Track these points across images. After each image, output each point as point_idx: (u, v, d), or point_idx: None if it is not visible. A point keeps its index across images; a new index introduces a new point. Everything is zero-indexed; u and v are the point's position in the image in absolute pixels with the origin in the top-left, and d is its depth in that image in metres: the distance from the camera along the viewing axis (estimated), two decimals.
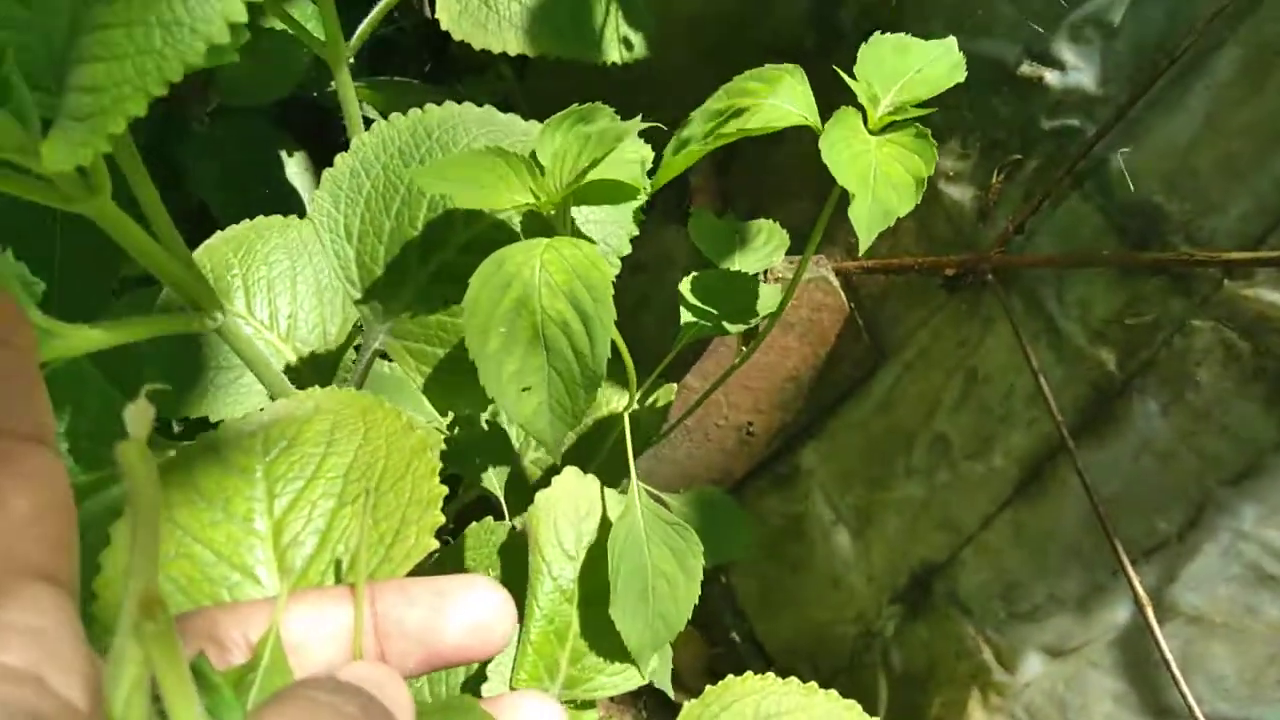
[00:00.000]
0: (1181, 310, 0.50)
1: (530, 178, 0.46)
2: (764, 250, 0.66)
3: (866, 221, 0.42)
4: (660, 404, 0.73)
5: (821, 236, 0.72)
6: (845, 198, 0.44)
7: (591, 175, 0.44)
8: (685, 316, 0.59)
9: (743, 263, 0.65)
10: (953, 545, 0.60)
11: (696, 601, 0.55)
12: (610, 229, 0.53)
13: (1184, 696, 0.48)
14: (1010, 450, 0.57)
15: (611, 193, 0.47)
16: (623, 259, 0.50)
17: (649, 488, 0.72)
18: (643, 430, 0.73)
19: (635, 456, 0.69)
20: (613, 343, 0.44)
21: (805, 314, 0.67)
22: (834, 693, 0.46)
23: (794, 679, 0.46)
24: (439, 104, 0.52)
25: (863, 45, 0.48)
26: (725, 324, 0.59)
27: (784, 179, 0.74)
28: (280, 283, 0.56)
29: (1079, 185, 0.56)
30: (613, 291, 0.44)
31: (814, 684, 0.45)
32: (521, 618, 0.52)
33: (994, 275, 0.58)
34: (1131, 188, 0.53)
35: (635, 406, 0.67)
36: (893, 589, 0.64)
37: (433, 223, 0.51)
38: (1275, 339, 0.47)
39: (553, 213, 0.47)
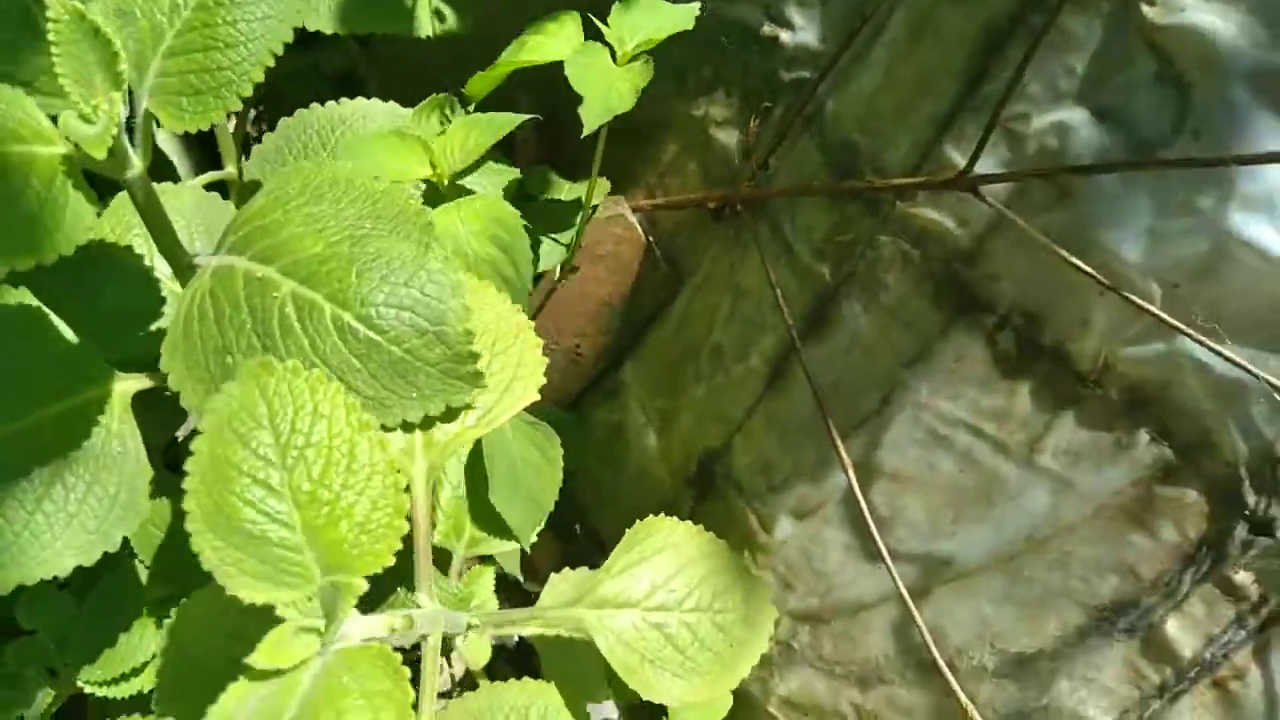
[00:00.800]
0: (871, 228, 0.61)
1: (427, 154, 0.59)
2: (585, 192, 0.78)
3: (594, 114, 0.57)
4: None
5: (625, 181, 0.83)
6: (619, 142, 0.59)
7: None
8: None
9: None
10: (726, 435, 0.72)
11: (560, 484, 0.67)
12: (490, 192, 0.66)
13: (875, 541, 0.61)
14: (763, 352, 0.69)
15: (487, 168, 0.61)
16: None
17: None
18: None
19: None
20: None
21: (610, 247, 0.78)
22: (712, 534, 0.59)
23: (689, 523, 0.58)
24: (293, 74, 0.64)
25: (616, 4, 0.61)
26: (551, 236, 0.71)
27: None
28: None
29: (808, 127, 0.67)
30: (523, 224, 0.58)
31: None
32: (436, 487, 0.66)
33: (744, 206, 0.69)
34: (838, 129, 0.64)
35: None
36: (686, 476, 0.76)
37: None
38: (936, 247, 0.59)
39: (446, 183, 0.60)
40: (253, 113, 0.90)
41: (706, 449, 0.74)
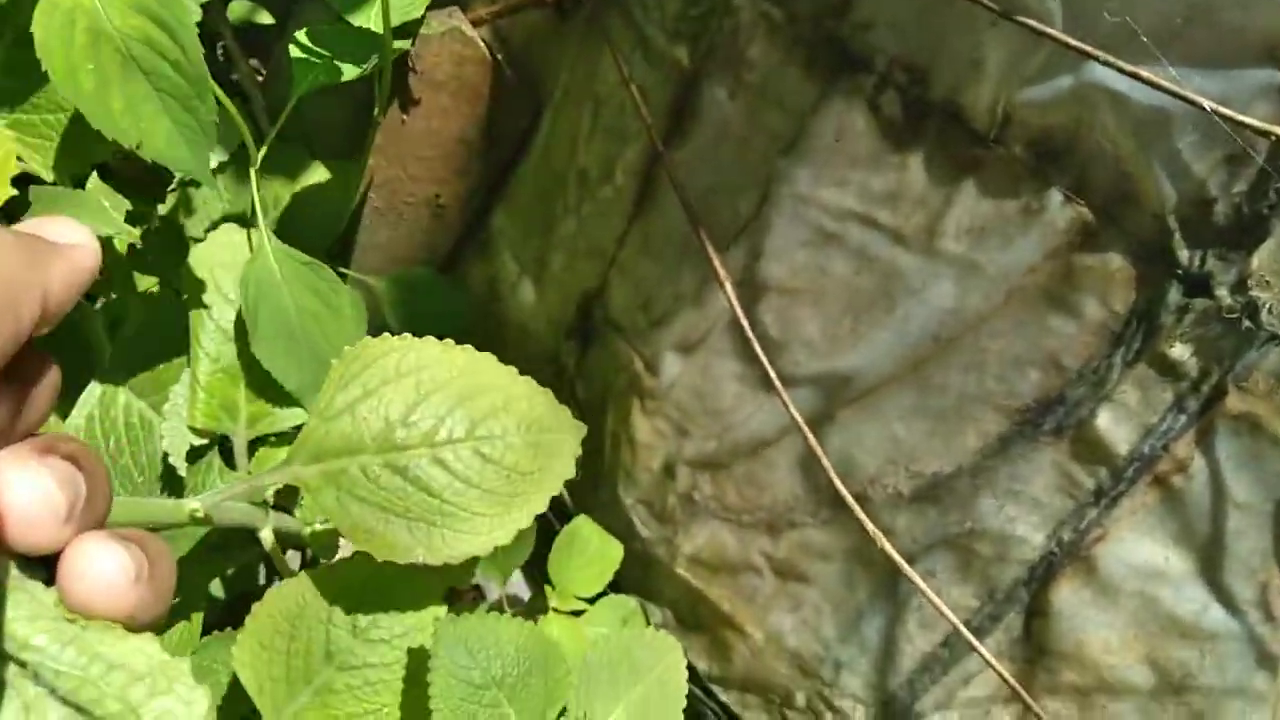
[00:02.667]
0: None
1: None
2: (401, 5, 0.66)
3: None
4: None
5: None
6: None
7: None
8: (298, 68, 0.59)
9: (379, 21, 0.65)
10: (600, 271, 0.63)
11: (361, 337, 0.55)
12: None
13: (763, 361, 0.52)
14: (627, 167, 0.59)
15: None
16: None
17: (359, 274, 0.73)
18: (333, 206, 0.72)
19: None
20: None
21: (450, 69, 0.67)
22: (470, 347, 0.44)
23: (431, 338, 0.43)
24: None
25: None
26: (342, 65, 0.59)
27: None
28: None
29: None
30: None
31: (451, 340, 0.42)
32: (189, 363, 0.54)
33: None
34: None
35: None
36: (565, 325, 0.67)
37: None
38: (802, 2, 0.49)
39: None
40: None
41: (583, 291, 0.65)
